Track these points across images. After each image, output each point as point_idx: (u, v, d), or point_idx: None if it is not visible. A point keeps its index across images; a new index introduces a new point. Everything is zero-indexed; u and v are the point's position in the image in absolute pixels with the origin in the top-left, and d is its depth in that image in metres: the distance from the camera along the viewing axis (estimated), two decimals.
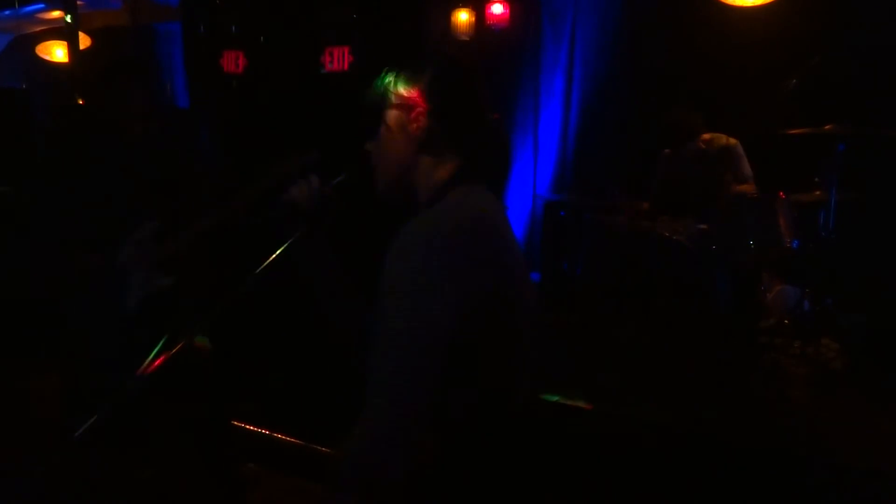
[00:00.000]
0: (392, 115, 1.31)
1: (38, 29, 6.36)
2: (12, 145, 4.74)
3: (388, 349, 1.12)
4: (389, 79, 1.33)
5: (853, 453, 2.49)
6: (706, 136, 4.12)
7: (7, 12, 6.03)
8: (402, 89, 1.31)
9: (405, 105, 1.30)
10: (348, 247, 1.57)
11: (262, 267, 1.34)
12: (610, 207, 4.25)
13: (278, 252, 1.36)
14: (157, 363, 1.20)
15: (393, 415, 1.08)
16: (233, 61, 5.55)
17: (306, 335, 3.20)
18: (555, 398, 2.84)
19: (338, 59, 5.06)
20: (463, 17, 4.88)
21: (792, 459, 2.47)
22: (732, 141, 4.05)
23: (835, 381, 3.14)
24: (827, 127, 3.34)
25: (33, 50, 6.29)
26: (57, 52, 6.18)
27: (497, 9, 4.82)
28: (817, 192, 3.50)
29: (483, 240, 1.20)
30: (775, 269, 3.82)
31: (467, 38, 4.89)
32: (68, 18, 4.85)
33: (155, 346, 1.22)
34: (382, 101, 1.32)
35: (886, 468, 2.38)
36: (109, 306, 1.52)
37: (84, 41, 5.66)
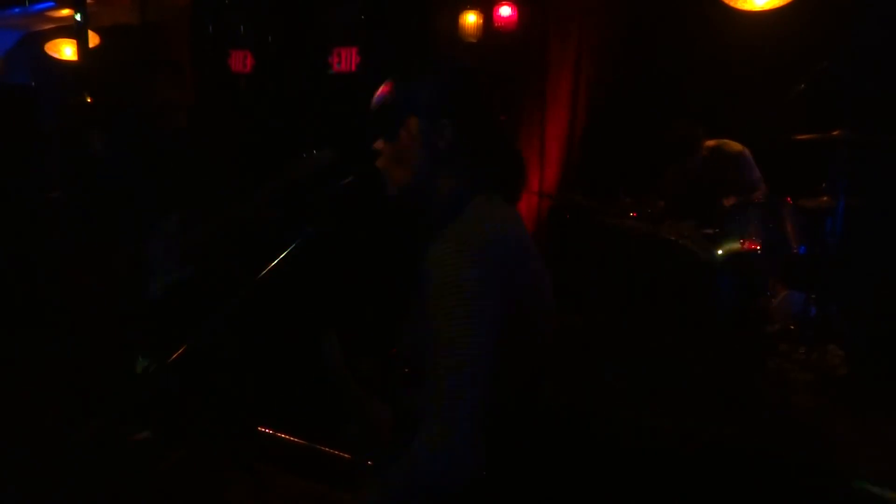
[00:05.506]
0: (415, 122, 1.31)
1: (48, 27, 6.37)
2: (18, 141, 4.76)
3: (446, 360, 1.14)
4: (410, 85, 1.33)
5: (858, 460, 2.49)
6: (710, 143, 4.11)
7: (16, 10, 6.05)
8: (426, 98, 1.31)
9: (430, 115, 1.30)
10: (358, 246, 1.58)
11: (270, 268, 1.34)
12: (616, 210, 4.24)
13: (286, 252, 1.36)
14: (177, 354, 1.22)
15: (459, 419, 1.12)
16: (240, 61, 5.57)
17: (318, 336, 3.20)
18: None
19: (346, 60, 5.07)
20: (471, 18, 4.88)
21: (796, 465, 2.47)
22: (738, 147, 4.05)
23: (840, 388, 3.14)
24: (834, 132, 3.33)
25: (42, 48, 6.31)
26: (66, 50, 6.20)
27: (505, 11, 4.81)
28: (824, 198, 3.49)
29: (508, 251, 1.24)
30: (781, 275, 3.82)
31: (475, 41, 4.89)
32: (78, 17, 4.86)
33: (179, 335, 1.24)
34: (405, 106, 1.32)
35: (891, 475, 2.37)
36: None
37: (93, 39, 5.68)
